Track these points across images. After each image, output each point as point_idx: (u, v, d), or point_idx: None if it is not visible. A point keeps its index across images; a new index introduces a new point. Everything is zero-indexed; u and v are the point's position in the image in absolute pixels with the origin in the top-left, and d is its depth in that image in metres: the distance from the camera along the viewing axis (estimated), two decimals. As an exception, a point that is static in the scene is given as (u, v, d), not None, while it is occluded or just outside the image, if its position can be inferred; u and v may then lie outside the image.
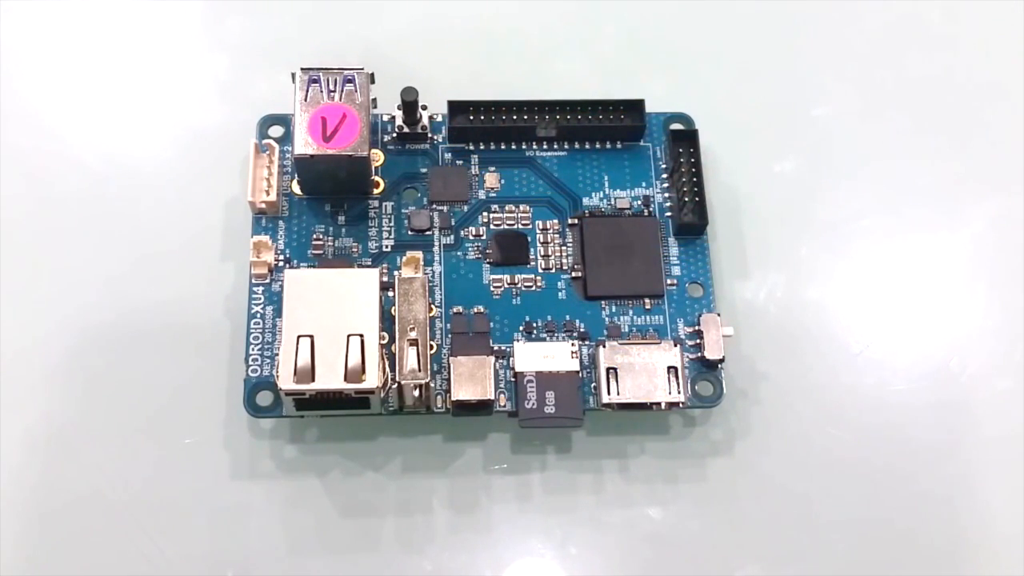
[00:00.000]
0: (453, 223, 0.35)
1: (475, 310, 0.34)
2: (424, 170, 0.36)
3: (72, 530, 0.32)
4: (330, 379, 0.30)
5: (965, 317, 0.36)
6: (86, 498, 0.32)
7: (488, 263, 0.35)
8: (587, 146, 0.37)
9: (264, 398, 0.32)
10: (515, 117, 0.36)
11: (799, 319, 0.36)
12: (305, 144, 0.33)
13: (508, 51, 0.40)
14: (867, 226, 0.38)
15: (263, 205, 0.34)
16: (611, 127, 0.36)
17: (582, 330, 0.34)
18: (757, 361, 0.35)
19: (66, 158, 0.37)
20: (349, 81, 0.34)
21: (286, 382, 0.30)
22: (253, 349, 0.33)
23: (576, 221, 0.35)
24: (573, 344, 0.33)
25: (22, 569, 0.32)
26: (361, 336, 0.31)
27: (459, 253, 0.35)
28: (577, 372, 0.32)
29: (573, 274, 0.35)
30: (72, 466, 0.33)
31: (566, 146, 0.36)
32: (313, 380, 0.30)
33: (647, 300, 0.34)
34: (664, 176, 0.36)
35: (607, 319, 0.34)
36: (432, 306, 0.34)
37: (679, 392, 0.32)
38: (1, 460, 0.32)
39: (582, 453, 0.34)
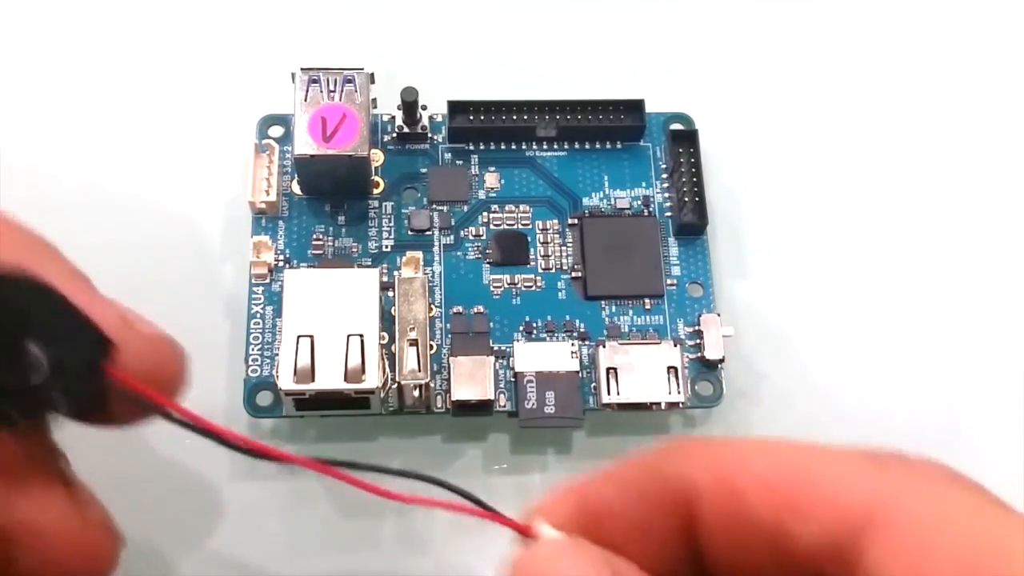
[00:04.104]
0: (453, 223, 0.35)
1: (475, 310, 0.34)
2: (424, 170, 0.36)
3: (72, 530, 0.32)
4: (330, 379, 0.30)
5: (967, 317, 0.36)
6: (86, 498, 0.32)
7: (488, 263, 0.35)
8: (587, 146, 0.37)
9: (264, 398, 0.32)
10: (515, 117, 0.36)
11: (799, 319, 0.36)
12: (305, 144, 0.33)
13: (508, 51, 0.40)
14: (868, 226, 0.38)
15: (263, 205, 0.34)
16: (611, 127, 0.36)
17: (582, 330, 0.34)
18: (757, 361, 0.35)
19: (65, 158, 0.37)
20: (349, 81, 0.34)
21: (286, 382, 0.30)
22: (253, 349, 0.33)
23: (576, 221, 0.35)
24: (573, 344, 0.33)
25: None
26: (361, 336, 0.31)
27: (459, 253, 0.35)
28: (577, 372, 0.32)
29: (573, 274, 0.35)
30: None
31: (566, 146, 0.36)
32: (313, 380, 0.30)
33: (647, 300, 0.34)
34: (664, 176, 0.36)
35: (607, 319, 0.34)
36: (432, 306, 0.34)
37: (679, 392, 0.32)
38: (1, 460, 0.32)
39: (582, 453, 0.34)
